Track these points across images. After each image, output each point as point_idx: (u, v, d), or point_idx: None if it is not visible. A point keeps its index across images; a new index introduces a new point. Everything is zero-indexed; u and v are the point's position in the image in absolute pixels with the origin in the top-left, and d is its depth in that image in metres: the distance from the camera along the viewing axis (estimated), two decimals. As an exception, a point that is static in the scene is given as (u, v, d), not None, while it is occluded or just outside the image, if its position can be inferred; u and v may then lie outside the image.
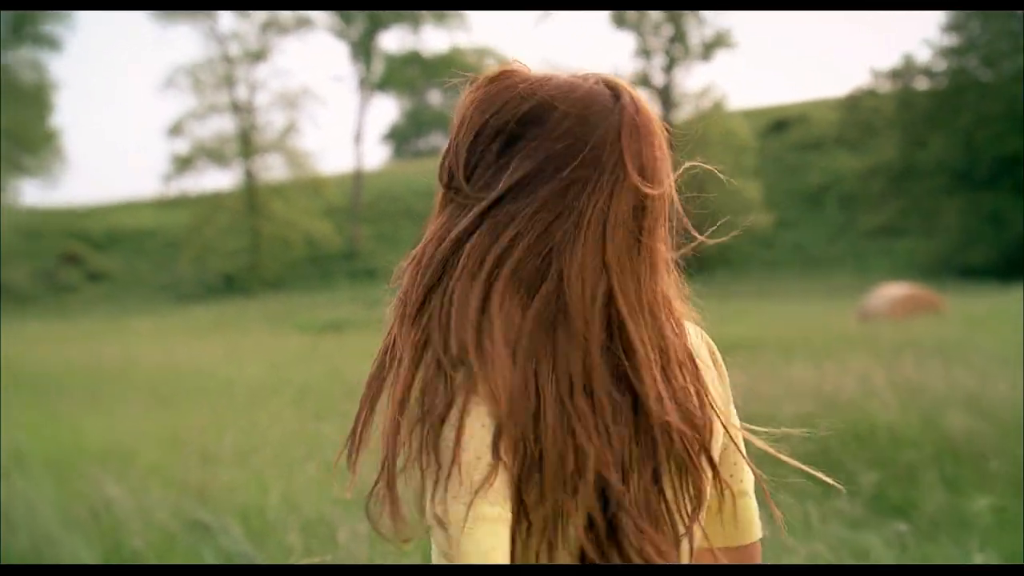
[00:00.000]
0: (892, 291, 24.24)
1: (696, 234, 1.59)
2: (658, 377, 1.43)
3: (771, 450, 1.62)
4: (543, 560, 1.39)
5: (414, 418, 1.39)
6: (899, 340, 14.26)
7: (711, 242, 1.62)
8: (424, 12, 59.03)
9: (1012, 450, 6.86)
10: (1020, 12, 44.42)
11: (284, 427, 9.61)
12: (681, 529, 1.46)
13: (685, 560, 1.49)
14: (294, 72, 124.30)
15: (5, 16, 54.03)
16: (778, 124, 58.42)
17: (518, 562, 1.39)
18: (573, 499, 1.36)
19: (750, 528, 1.67)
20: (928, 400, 8.33)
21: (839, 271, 42.68)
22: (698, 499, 1.47)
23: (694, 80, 71.44)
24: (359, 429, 1.46)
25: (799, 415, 7.95)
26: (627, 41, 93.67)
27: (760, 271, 44.35)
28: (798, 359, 11.82)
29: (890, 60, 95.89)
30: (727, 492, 1.54)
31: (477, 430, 1.35)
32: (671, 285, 1.51)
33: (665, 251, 1.49)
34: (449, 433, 1.35)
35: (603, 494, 1.38)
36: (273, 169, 57.05)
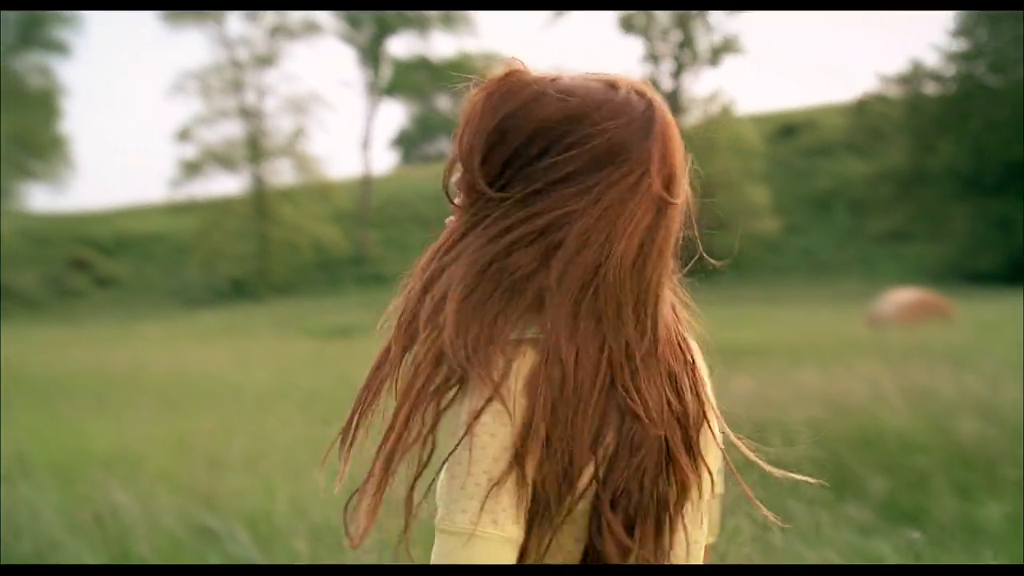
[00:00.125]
0: (901, 296, 24.16)
1: (707, 257, 1.60)
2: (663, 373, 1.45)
3: (752, 456, 1.61)
4: (545, 545, 1.38)
5: (420, 422, 1.39)
6: (908, 345, 14.21)
7: (717, 264, 1.62)
8: (432, 17, 59.06)
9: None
10: (1028, 16, 44.34)
11: (292, 432, 9.57)
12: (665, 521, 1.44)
13: (679, 551, 1.48)
14: (302, 77, 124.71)
15: (14, 21, 54.14)
16: (786, 129, 58.40)
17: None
18: (574, 491, 1.36)
19: (713, 529, 1.69)
20: (938, 405, 8.28)
21: (847, 276, 42.62)
22: (683, 493, 1.46)
23: (702, 85, 71.21)
24: (353, 424, 1.46)
25: (808, 420, 7.92)
26: (635, 46, 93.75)
27: (769, 276, 44.29)
28: (807, 364, 11.78)
29: (898, 65, 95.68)
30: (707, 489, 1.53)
31: (488, 439, 1.34)
32: (674, 287, 1.53)
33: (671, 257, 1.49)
34: (461, 441, 1.35)
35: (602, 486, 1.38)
36: (281, 174, 57.17)
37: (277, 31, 57.75)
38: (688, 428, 1.46)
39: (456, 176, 1.50)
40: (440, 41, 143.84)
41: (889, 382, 9.16)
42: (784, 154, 55.39)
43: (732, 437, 1.61)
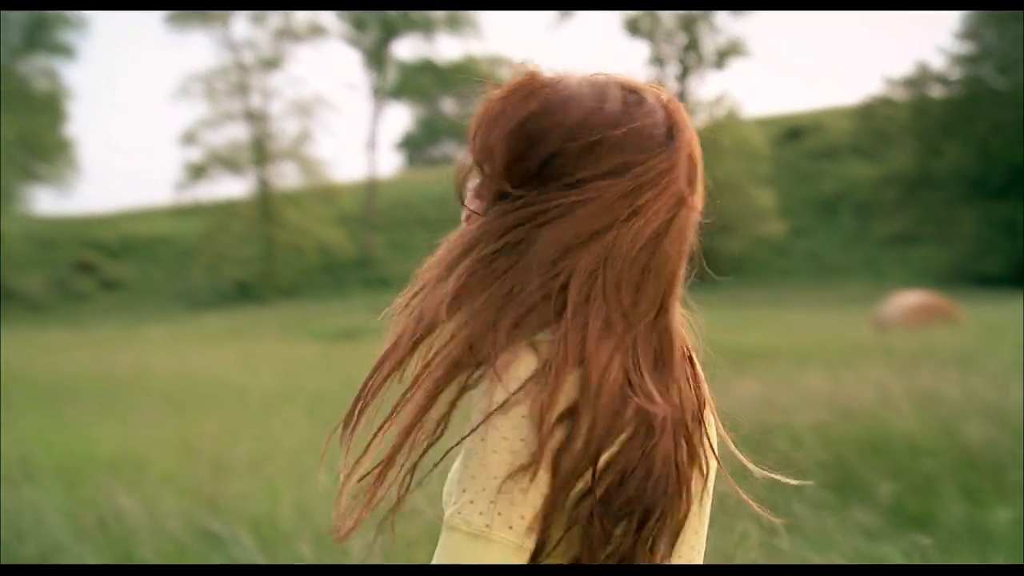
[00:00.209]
0: (907, 299, 24.13)
1: (708, 265, 1.59)
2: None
3: (743, 458, 1.61)
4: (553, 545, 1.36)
5: (437, 413, 1.40)
6: (915, 348, 14.18)
7: (719, 278, 1.64)
8: (437, 20, 59.11)
9: (1031, 460, 6.79)
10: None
11: (297, 435, 9.56)
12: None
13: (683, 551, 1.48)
14: (308, 80, 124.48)
15: (19, 24, 54.25)
16: (792, 132, 58.38)
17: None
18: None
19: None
20: (945, 409, 8.24)
21: (853, 279, 42.59)
22: (689, 494, 1.45)
23: (708, 88, 71.43)
24: (356, 411, 1.46)
25: (814, 424, 7.90)
26: (640, 49, 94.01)
27: (774, 279, 44.28)
28: (813, 367, 11.75)
29: (904, 68, 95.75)
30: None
31: (503, 441, 1.33)
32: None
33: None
34: (479, 438, 1.34)
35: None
36: (287, 177, 57.23)
37: (282, 34, 57.84)
38: (692, 428, 1.46)
39: (474, 176, 1.50)
40: (445, 44, 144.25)
41: (896, 385, 9.12)
42: (790, 157, 55.37)
43: (729, 441, 1.60)
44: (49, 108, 56.30)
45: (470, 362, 1.38)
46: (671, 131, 1.45)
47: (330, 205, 55.80)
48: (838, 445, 7.40)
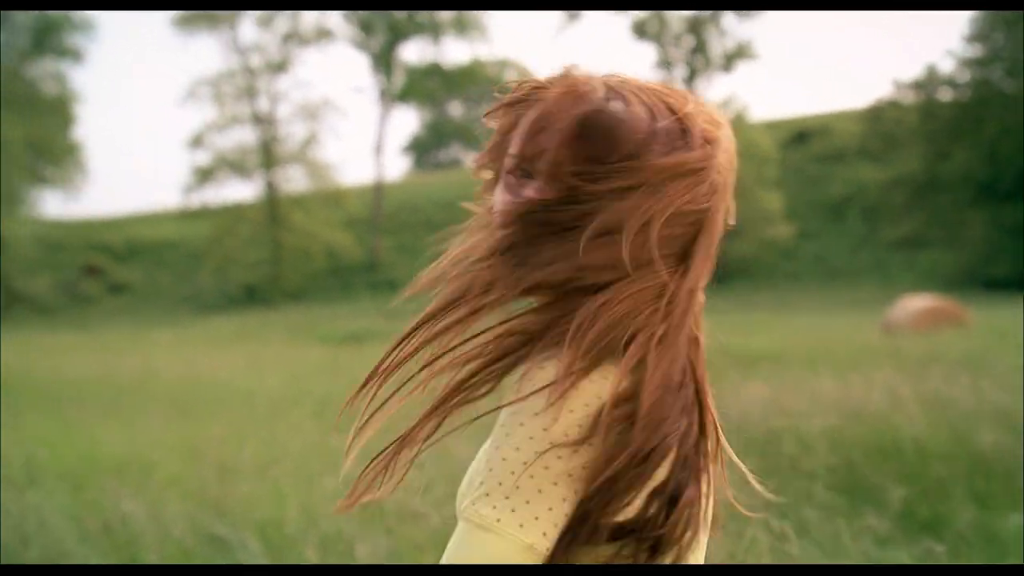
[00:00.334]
0: (916, 303, 24.06)
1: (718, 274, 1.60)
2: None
3: (736, 457, 1.58)
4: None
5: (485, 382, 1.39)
6: (924, 352, 14.13)
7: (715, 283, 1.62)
8: (445, 24, 59.12)
9: (1043, 466, 6.74)
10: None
11: (304, 439, 9.54)
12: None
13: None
14: (315, 84, 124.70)
15: (27, 28, 54.36)
16: (800, 135, 58.32)
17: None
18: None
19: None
20: (956, 413, 8.20)
21: (862, 283, 42.53)
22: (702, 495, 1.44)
23: (715, 91, 71.07)
24: (382, 368, 1.46)
25: (824, 428, 7.85)
26: (648, 52, 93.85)
27: (782, 282, 44.25)
28: (822, 371, 11.70)
29: (913, 71, 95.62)
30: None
31: (537, 436, 1.30)
32: None
33: None
34: (507, 432, 1.32)
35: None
36: (294, 181, 57.35)
37: (290, 37, 57.93)
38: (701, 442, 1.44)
39: (511, 177, 1.48)
40: (452, 48, 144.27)
41: (905, 389, 9.08)
42: (798, 160, 55.33)
43: (726, 444, 1.57)
44: (56, 111, 56.42)
45: (524, 353, 1.37)
46: (710, 130, 1.45)
47: (337, 209, 55.87)
48: (848, 449, 7.36)
